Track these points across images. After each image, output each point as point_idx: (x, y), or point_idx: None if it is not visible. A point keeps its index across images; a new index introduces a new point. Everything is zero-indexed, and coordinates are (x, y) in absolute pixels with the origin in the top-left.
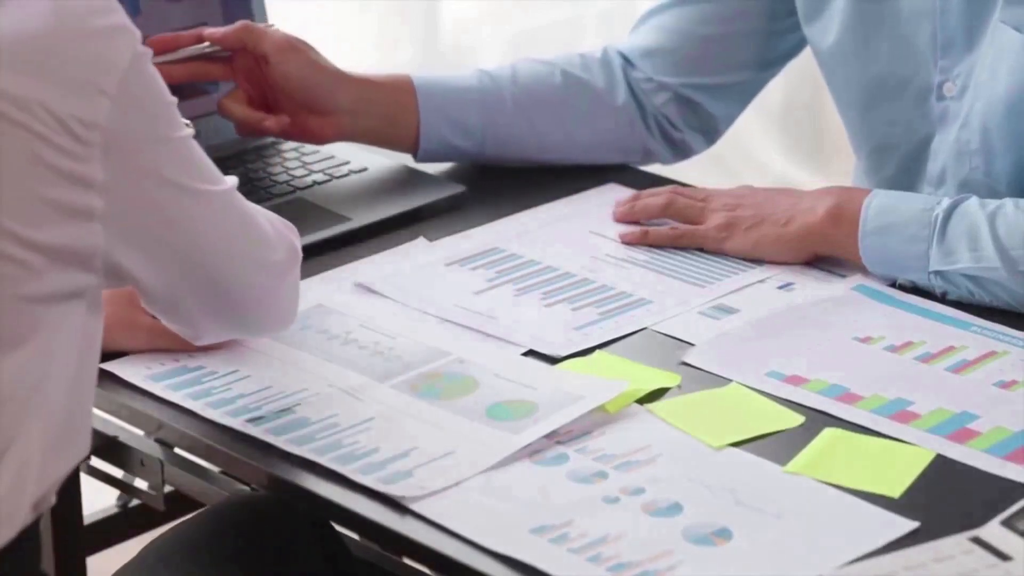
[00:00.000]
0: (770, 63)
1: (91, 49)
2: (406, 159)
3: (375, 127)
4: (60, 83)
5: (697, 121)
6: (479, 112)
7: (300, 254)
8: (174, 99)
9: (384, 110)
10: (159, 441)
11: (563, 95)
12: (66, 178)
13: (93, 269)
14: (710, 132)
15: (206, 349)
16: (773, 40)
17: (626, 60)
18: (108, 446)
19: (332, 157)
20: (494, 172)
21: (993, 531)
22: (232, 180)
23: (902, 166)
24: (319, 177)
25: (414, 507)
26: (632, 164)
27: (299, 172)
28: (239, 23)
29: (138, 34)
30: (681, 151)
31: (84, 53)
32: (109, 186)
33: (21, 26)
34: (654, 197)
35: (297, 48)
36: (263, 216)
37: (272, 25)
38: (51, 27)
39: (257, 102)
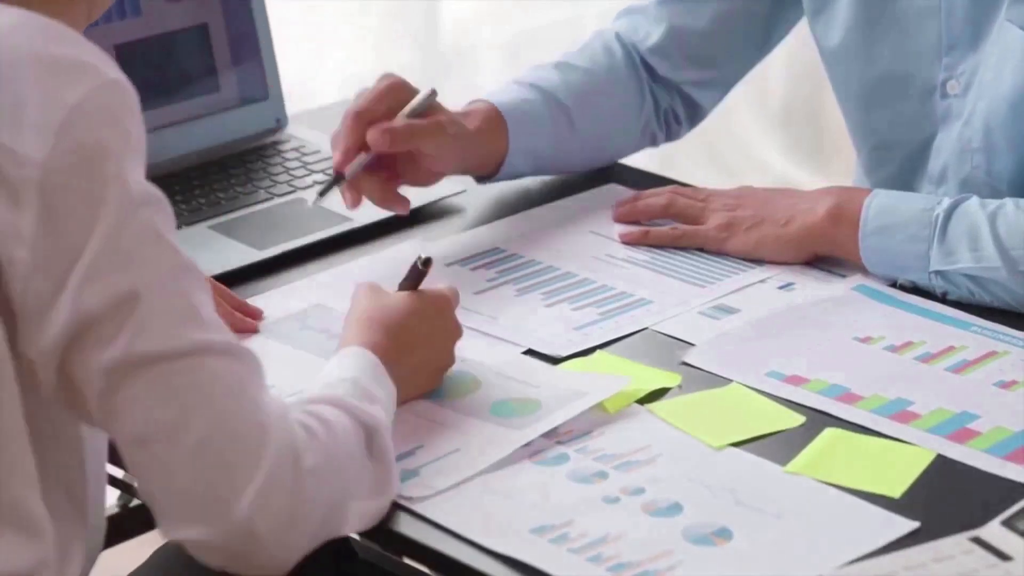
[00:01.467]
0: (767, 48)
1: (42, 79)
2: None
3: (466, 170)
4: None
5: (691, 112)
6: (549, 141)
7: (309, 466)
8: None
9: (482, 159)
10: None
11: (610, 113)
12: None
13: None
14: (698, 119)
15: None
16: (772, 27)
17: (640, 57)
18: (109, 446)
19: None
20: None
21: (993, 531)
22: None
23: (904, 164)
24: (319, 177)
25: (414, 507)
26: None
27: (300, 172)
28: (405, 125)
29: (109, 78)
30: (670, 138)
31: (34, 83)
32: (37, 240)
33: None
34: (655, 197)
35: (446, 135)
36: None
37: (432, 100)
38: (3, 47)
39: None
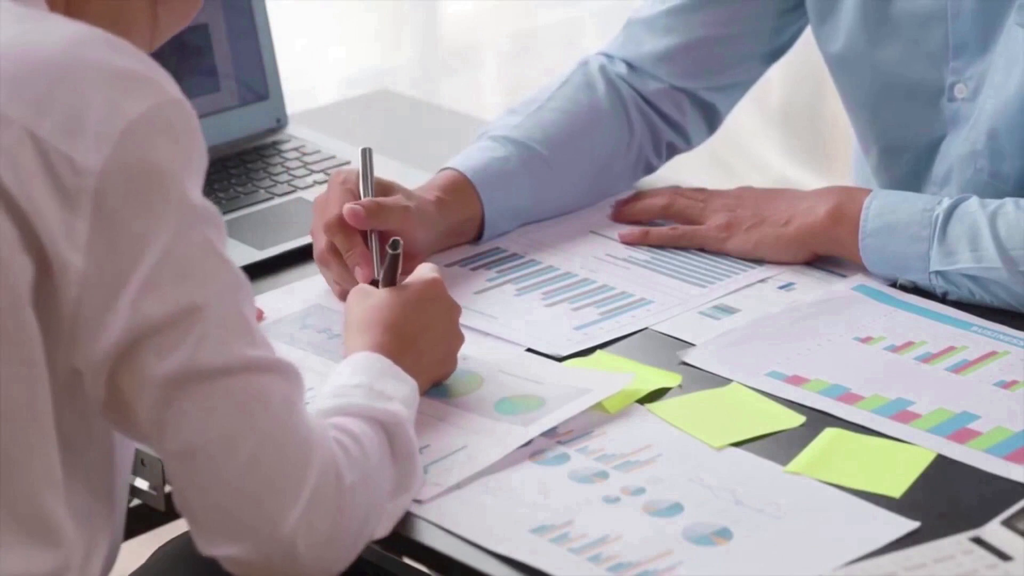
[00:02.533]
0: (777, 54)
1: (105, 89)
2: (407, 160)
3: (447, 242)
4: (56, 114)
5: (707, 124)
6: (528, 196)
7: (349, 484)
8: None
9: (459, 227)
10: None
11: (593, 156)
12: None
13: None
14: (717, 123)
15: None
16: (781, 33)
17: (633, 69)
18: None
19: (333, 157)
20: None
21: (993, 531)
22: (283, 359)
23: (912, 166)
24: (320, 177)
25: (415, 507)
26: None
27: (300, 172)
28: (370, 203)
29: (173, 96)
30: (672, 156)
31: (96, 92)
32: (92, 247)
33: (33, 49)
34: (655, 197)
35: (413, 213)
36: (324, 420)
37: (396, 192)
38: (66, 57)
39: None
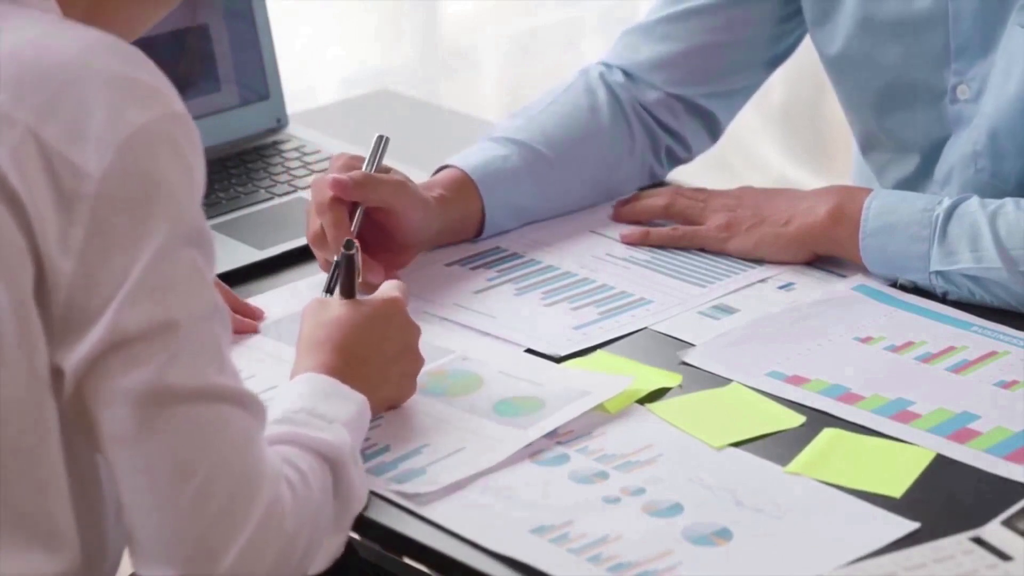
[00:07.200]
0: (778, 60)
1: (111, 96)
2: (407, 160)
3: (446, 239)
4: (61, 119)
5: (707, 132)
6: (531, 194)
7: (291, 529)
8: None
9: (459, 224)
10: None
11: (596, 159)
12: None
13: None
14: (713, 139)
15: None
16: (782, 38)
17: (630, 77)
18: None
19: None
20: None
21: (993, 531)
22: (253, 398)
23: (916, 167)
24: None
25: (415, 507)
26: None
27: (300, 172)
28: (360, 174)
29: (179, 110)
30: (674, 165)
31: (102, 98)
32: (84, 254)
33: (44, 53)
34: (655, 197)
35: (409, 190)
36: (283, 456)
37: (390, 169)
38: (75, 63)
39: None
